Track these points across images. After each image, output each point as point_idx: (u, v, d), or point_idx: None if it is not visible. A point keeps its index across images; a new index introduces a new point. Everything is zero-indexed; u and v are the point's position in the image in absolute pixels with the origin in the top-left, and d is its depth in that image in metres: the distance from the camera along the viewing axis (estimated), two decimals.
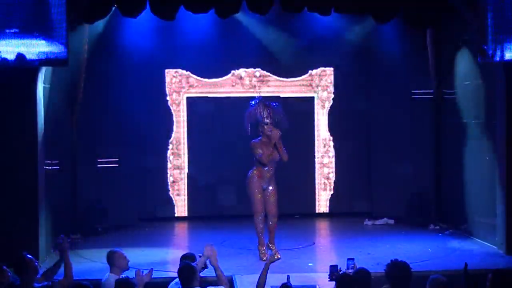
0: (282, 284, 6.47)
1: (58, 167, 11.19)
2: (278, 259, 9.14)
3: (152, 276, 7.01)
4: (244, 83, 13.21)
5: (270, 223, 10.03)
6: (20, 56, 9.12)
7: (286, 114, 10.07)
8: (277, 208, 10.03)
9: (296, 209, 13.24)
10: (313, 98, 13.43)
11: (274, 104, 10.02)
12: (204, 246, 7.18)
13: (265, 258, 9.68)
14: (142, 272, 6.74)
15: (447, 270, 8.60)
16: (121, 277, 6.73)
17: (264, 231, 9.98)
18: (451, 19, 11.04)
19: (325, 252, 10.43)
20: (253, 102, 10.01)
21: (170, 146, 13.17)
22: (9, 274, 6.59)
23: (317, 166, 13.47)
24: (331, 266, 7.16)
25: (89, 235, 11.72)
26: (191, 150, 13.16)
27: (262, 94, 11.21)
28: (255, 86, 13.10)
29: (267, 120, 9.84)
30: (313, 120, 13.40)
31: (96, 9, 10.36)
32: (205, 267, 7.11)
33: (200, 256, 7.12)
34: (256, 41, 12.94)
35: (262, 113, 9.84)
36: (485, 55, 9.91)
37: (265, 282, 6.83)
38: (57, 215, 10.91)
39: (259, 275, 6.94)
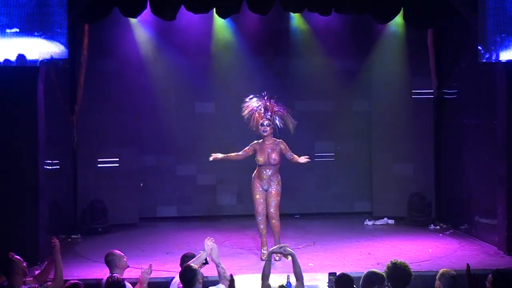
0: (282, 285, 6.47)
1: (58, 166, 11.21)
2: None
3: (153, 276, 7.01)
4: None
5: (271, 225, 9.96)
6: (20, 56, 9.12)
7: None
8: (276, 210, 9.88)
9: (296, 209, 13.26)
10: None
11: (276, 105, 9.98)
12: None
13: (264, 258, 9.69)
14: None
15: None
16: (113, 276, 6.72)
17: (266, 232, 9.91)
18: (452, 19, 11.05)
19: (325, 252, 10.42)
20: (257, 103, 9.96)
21: (170, 146, 13.16)
22: None
23: (316, 166, 13.44)
24: (329, 274, 7.18)
25: (89, 235, 11.73)
26: (192, 150, 13.15)
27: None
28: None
29: (266, 126, 9.79)
30: (313, 120, 13.37)
31: (97, 9, 10.38)
32: (206, 263, 7.07)
33: (200, 253, 7.10)
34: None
35: (263, 115, 9.82)
36: (485, 55, 9.90)
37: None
38: (57, 215, 10.93)
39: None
